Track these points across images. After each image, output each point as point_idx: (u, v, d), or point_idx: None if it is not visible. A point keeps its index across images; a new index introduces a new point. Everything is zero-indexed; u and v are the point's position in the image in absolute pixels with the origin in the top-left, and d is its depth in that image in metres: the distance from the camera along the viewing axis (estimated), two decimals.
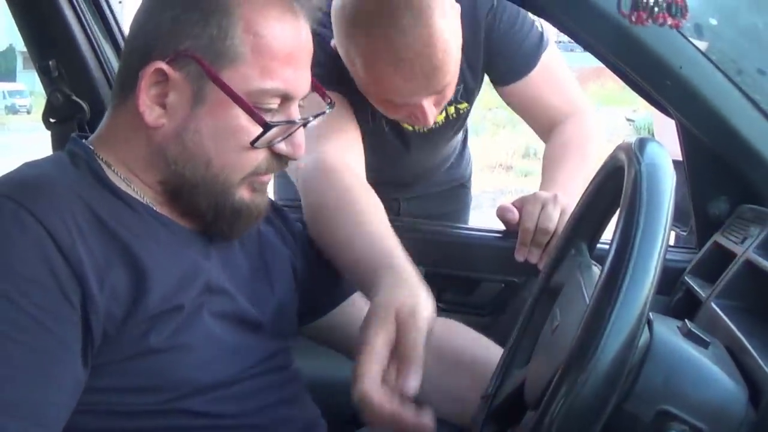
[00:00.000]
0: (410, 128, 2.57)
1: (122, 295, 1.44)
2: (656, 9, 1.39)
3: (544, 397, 1.03)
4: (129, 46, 1.63)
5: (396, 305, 1.54)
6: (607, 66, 1.99)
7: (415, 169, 2.89)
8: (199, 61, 1.50)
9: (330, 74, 2.12)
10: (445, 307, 2.32)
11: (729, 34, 2.09)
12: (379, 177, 2.26)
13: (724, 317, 1.56)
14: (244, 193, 1.62)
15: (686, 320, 1.30)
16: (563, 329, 1.32)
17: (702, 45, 1.85)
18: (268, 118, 1.55)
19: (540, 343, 1.51)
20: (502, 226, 2.28)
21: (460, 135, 2.96)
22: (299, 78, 1.59)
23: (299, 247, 1.93)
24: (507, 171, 17.86)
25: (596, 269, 1.43)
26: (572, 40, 1.99)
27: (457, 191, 3.17)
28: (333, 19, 2.16)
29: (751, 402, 1.21)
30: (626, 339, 0.98)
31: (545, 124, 2.65)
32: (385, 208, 2.05)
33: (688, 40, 1.78)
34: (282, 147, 1.61)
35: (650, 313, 1.24)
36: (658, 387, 1.17)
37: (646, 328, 1.22)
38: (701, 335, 1.27)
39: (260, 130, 1.54)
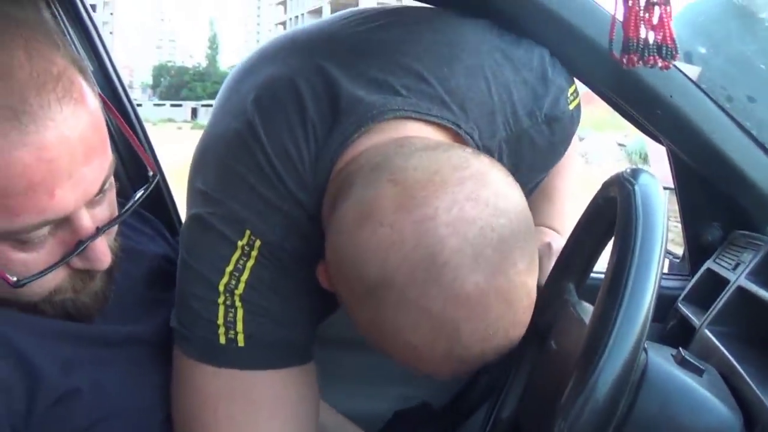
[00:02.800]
0: None
1: (16, 388, 1.32)
2: (647, 52, 1.40)
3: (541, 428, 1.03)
4: None
5: None
6: (597, 95, 2.00)
7: None
8: None
9: (291, 335, 1.60)
10: None
11: (718, 61, 2.10)
12: None
13: (718, 344, 1.56)
14: (65, 295, 1.43)
15: (680, 348, 1.31)
16: (560, 357, 1.32)
17: (692, 71, 1.86)
18: (40, 246, 1.32)
19: (534, 375, 1.51)
20: None
21: None
22: (62, 199, 1.27)
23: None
24: None
25: (587, 304, 1.43)
26: None
27: None
28: (338, 232, 1.35)
29: (746, 428, 1.21)
30: (623, 367, 0.99)
31: None
32: None
33: (678, 69, 1.79)
34: (78, 263, 1.39)
35: (645, 342, 1.25)
36: (654, 416, 1.18)
37: (642, 356, 1.23)
38: (696, 363, 1.27)
39: (17, 274, 1.32)
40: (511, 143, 1.65)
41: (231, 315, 1.50)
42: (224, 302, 1.50)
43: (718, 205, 1.99)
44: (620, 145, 25.94)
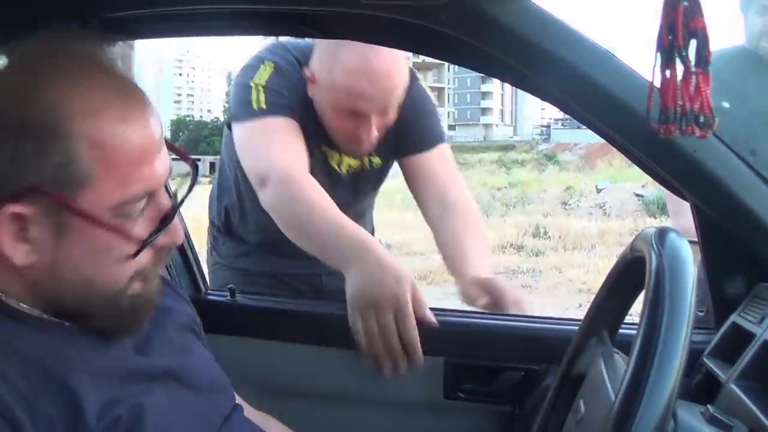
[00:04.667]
0: (336, 168, 3.17)
1: (57, 423, 1.38)
2: (685, 122, 1.40)
3: None
4: None
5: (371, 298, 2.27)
6: (618, 149, 2.00)
7: None
8: (48, 194, 1.40)
9: (288, 103, 2.91)
10: (466, 397, 2.34)
11: (742, 115, 2.10)
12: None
13: (745, 399, 1.55)
14: (135, 288, 1.56)
15: (708, 405, 1.30)
16: (588, 423, 1.32)
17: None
18: (136, 221, 1.50)
19: None
20: (519, 312, 2.36)
21: (371, 200, 3.55)
22: (158, 169, 1.51)
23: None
24: (518, 251, 17.85)
25: (618, 357, 1.43)
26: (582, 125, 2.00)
27: None
28: (322, 46, 2.88)
29: None
30: None
31: (435, 198, 3.10)
32: (307, 285, 3.24)
33: None
34: (162, 241, 1.57)
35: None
36: None
37: (671, 417, 1.22)
38: (724, 419, 1.27)
39: (134, 243, 1.49)
40: None
41: (258, 95, 2.88)
42: (255, 89, 2.89)
43: (742, 258, 1.98)
44: (638, 195, 25.93)
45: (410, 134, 3.12)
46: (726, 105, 2.05)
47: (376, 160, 3.20)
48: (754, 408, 1.48)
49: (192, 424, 1.63)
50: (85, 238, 1.45)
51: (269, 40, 3.29)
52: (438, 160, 3.16)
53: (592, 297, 1.68)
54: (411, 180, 3.20)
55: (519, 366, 2.31)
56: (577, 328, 1.69)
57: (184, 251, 2.68)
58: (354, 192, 3.26)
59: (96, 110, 1.43)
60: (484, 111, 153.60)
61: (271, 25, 2.36)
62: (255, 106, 2.85)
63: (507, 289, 2.65)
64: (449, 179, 3.15)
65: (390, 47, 2.33)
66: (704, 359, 1.93)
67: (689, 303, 1.12)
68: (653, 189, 22.82)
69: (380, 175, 3.30)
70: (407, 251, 17.56)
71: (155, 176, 1.50)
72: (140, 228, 1.51)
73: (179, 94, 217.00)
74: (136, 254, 1.49)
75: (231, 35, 2.66)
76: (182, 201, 1.64)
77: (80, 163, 1.40)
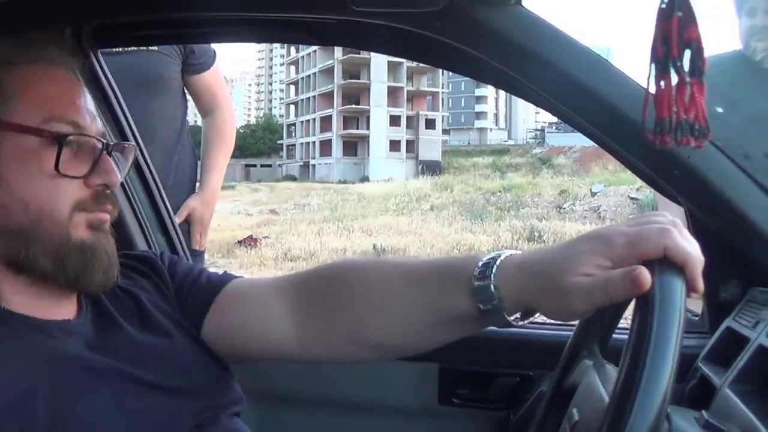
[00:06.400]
0: None
1: None
2: (680, 132, 1.40)
3: None
4: None
5: None
6: (612, 155, 2.01)
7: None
8: None
9: None
10: (460, 402, 2.34)
11: (736, 120, 2.11)
12: None
13: (740, 404, 1.55)
14: (82, 233, 1.58)
15: (703, 411, 1.31)
16: (582, 429, 1.33)
17: None
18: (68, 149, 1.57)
19: None
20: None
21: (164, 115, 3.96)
22: (82, 106, 1.64)
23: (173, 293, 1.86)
24: None
25: (610, 368, 1.43)
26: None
27: None
28: None
29: None
30: None
31: (207, 105, 4.13)
32: None
33: None
34: (95, 179, 1.60)
35: (668, 407, 1.25)
36: None
37: (665, 422, 1.22)
38: (719, 425, 1.27)
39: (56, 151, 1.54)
40: None
41: None
42: None
43: (737, 262, 1.98)
44: (632, 198, 25.97)
45: (192, 59, 3.94)
46: (720, 110, 2.05)
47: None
48: (748, 413, 1.48)
49: (143, 424, 1.54)
50: (12, 151, 1.54)
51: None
52: (214, 75, 4.07)
53: None
54: (194, 90, 4.07)
55: (513, 372, 2.32)
56: (570, 333, 1.69)
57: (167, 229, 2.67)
58: (133, 79, 3.50)
59: (15, 55, 1.61)
60: (479, 115, 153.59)
61: (267, 32, 2.35)
62: None
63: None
64: (219, 91, 4.15)
65: (385, 54, 2.30)
66: (699, 364, 1.94)
67: (680, 305, 1.12)
68: (648, 192, 22.84)
69: (157, 62, 3.86)
70: (402, 256, 17.56)
71: (79, 108, 1.63)
72: (74, 166, 1.58)
73: None
74: (58, 156, 1.54)
75: (226, 42, 2.54)
76: (112, 146, 1.68)
77: (2, 86, 1.56)
